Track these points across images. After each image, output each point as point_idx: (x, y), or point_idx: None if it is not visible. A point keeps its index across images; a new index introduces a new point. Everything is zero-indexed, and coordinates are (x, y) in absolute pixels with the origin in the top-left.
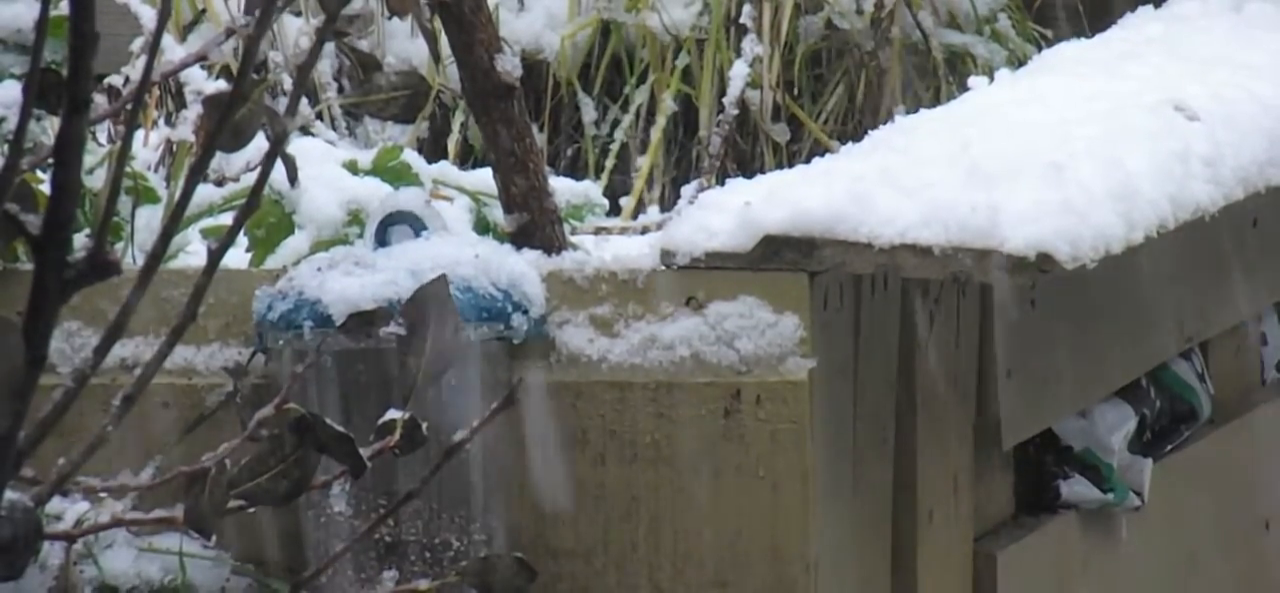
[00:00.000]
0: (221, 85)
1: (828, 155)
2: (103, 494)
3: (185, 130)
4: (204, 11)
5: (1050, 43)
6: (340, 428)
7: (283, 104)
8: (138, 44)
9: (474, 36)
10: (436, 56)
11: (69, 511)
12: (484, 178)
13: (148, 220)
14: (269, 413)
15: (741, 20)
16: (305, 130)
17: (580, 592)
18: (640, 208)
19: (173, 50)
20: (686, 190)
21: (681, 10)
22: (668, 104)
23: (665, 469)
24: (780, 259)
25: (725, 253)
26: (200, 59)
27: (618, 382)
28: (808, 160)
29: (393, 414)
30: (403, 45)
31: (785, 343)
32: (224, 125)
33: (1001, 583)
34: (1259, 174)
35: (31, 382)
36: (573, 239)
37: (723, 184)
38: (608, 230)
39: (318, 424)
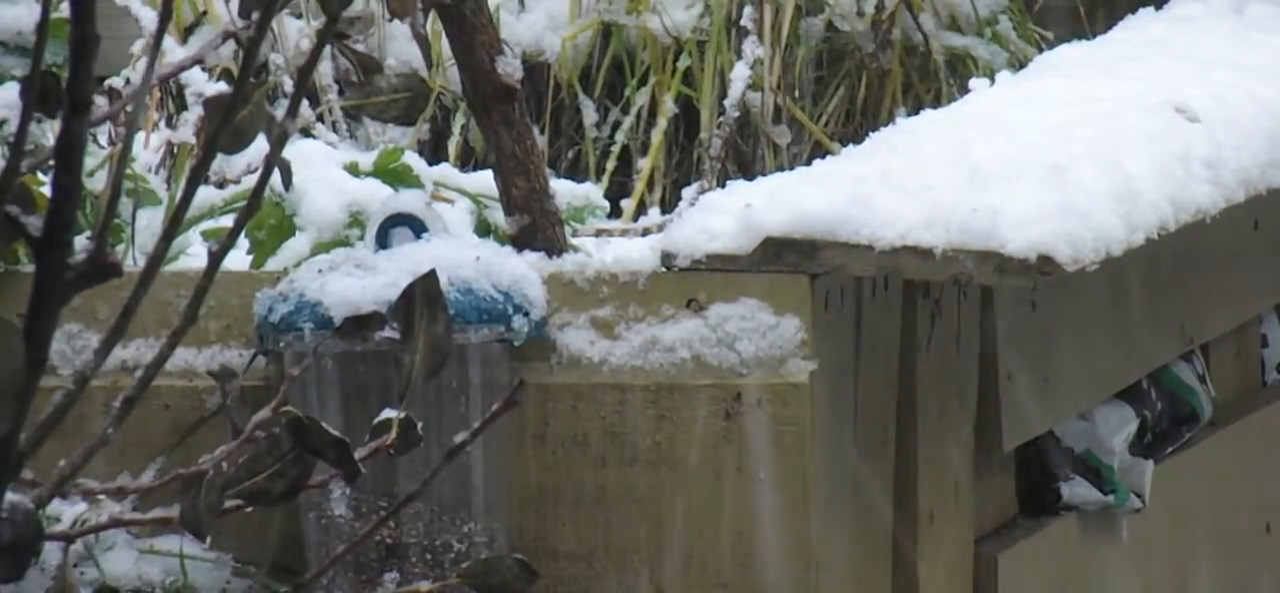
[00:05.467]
0: (222, 87)
1: (829, 157)
2: (102, 496)
3: (186, 132)
4: (205, 14)
5: (1051, 44)
6: (334, 432)
7: (283, 106)
8: (138, 46)
9: (475, 38)
10: (430, 62)
11: (67, 512)
12: (485, 180)
13: (148, 222)
14: (266, 415)
15: (742, 22)
16: (306, 132)
17: None
18: (641, 210)
19: (174, 52)
20: (687, 192)
21: (682, 12)
22: (669, 106)
23: (666, 471)
24: (781, 261)
25: (726, 255)
26: (200, 61)
27: (619, 384)
28: (809, 162)
29: (388, 414)
30: (403, 47)
31: (786, 345)
32: (225, 127)
33: (1002, 585)
34: (1260, 176)
35: (32, 384)
36: (574, 241)
37: (723, 186)
38: (609, 232)
39: (312, 427)
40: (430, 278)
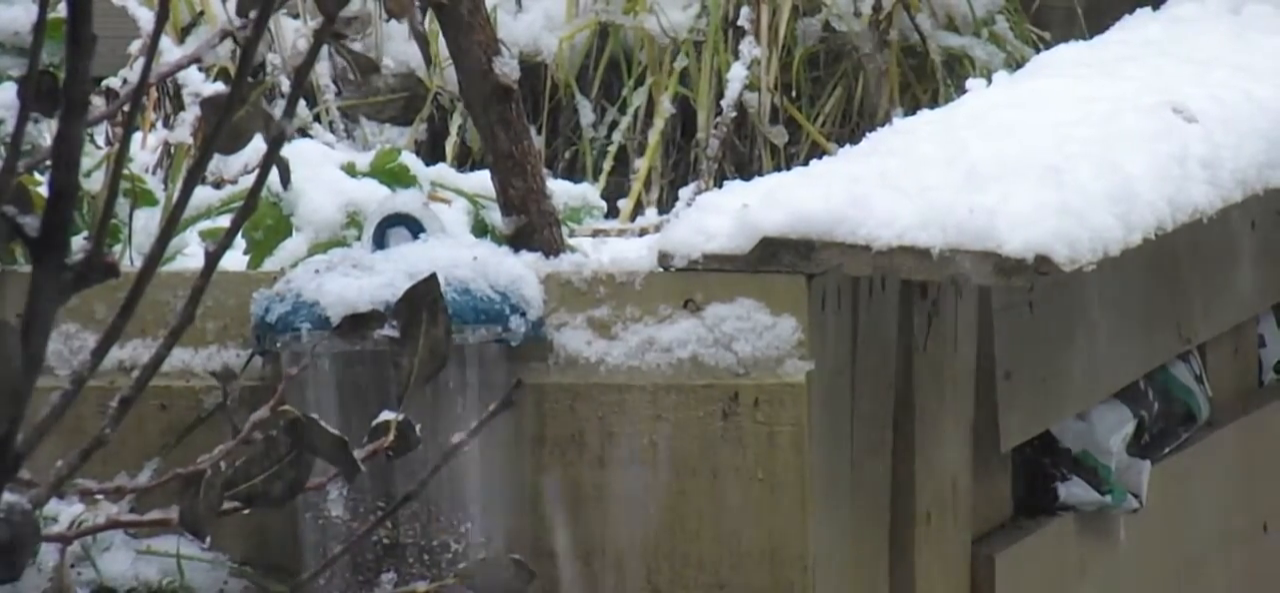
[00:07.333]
0: (219, 87)
1: (826, 158)
2: (99, 496)
3: (183, 132)
4: (202, 14)
5: (1048, 45)
6: (334, 431)
7: (280, 106)
8: (135, 46)
9: (472, 38)
10: (428, 60)
11: (65, 513)
12: (482, 180)
13: (146, 223)
14: (264, 415)
15: (739, 22)
16: (303, 132)
17: None
18: (638, 210)
19: (171, 52)
20: (684, 192)
21: (679, 12)
22: (665, 106)
23: (663, 472)
24: (778, 261)
25: (723, 255)
26: (197, 61)
27: (616, 384)
28: (806, 162)
29: (386, 416)
30: (400, 48)
31: (783, 345)
32: (222, 127)
33: (999, 585)
34: (1257, 176)
35: (29, 384)
36: (571, 241)
37: (721, 186)
38: (606, 232)
39: (312, 427)
40: (431, 281)
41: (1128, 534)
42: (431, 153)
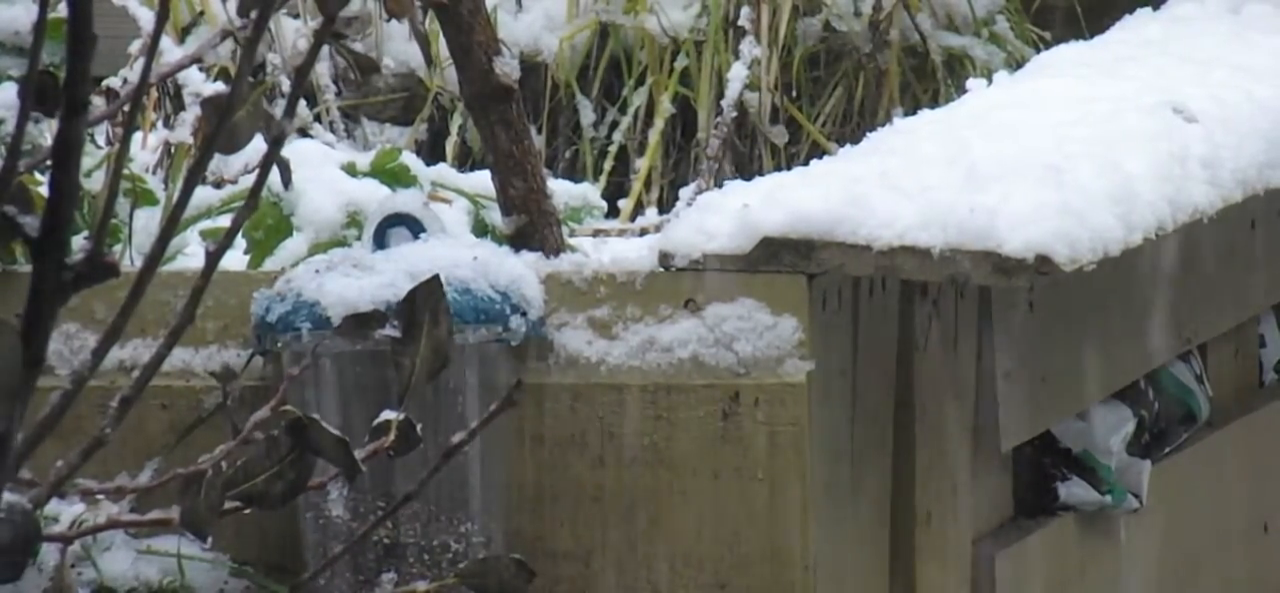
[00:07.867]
0: (219, 87)
1: (826, 157)
2: (100, 496)
3: (183, 132)
4: (202, 14)
5: (1048, 45)
6: (335, 431)
7: (281, 106)
8: (136, 46)
9: (472, 38)
10: (429, 61)
11: (65, 512)
12: (482, 180)
13: (146, 222)
14: (265, 415)
15: (739, 22)
16: (304, 132)
17: None
18: (638, 210)
19: (171, 52)
20: (685, 192)
21: (680, 12)
22: (666, 106)
23: (664, 471)
24: (779, 261)
25: (724, 255)
26: (197, 61)
27: (616, 384)
28: (806, 162)
29: (388, 415)
30: (401, 47)
31: (784, 345)
32: (222, 127)
33: (999, 585)
34: (1257, 176)
35: (29, 384)
36: (571, 241)
37: (721, 186)
38: (606, 232)
39: (313, 427)
40: (433, 282)
41: (1128, 534)
42: (432, 153)
